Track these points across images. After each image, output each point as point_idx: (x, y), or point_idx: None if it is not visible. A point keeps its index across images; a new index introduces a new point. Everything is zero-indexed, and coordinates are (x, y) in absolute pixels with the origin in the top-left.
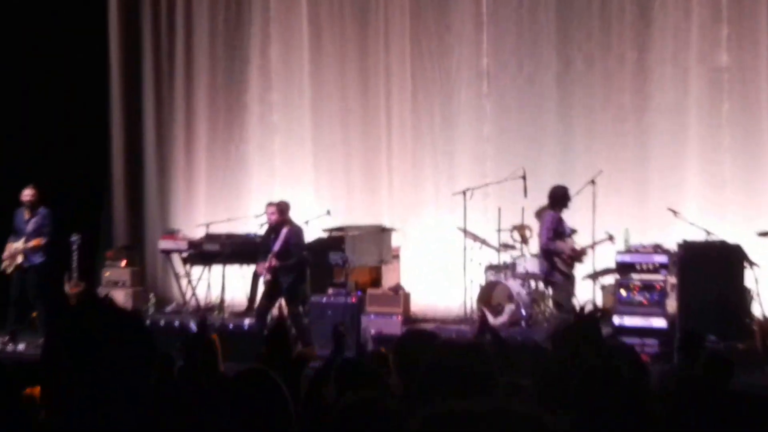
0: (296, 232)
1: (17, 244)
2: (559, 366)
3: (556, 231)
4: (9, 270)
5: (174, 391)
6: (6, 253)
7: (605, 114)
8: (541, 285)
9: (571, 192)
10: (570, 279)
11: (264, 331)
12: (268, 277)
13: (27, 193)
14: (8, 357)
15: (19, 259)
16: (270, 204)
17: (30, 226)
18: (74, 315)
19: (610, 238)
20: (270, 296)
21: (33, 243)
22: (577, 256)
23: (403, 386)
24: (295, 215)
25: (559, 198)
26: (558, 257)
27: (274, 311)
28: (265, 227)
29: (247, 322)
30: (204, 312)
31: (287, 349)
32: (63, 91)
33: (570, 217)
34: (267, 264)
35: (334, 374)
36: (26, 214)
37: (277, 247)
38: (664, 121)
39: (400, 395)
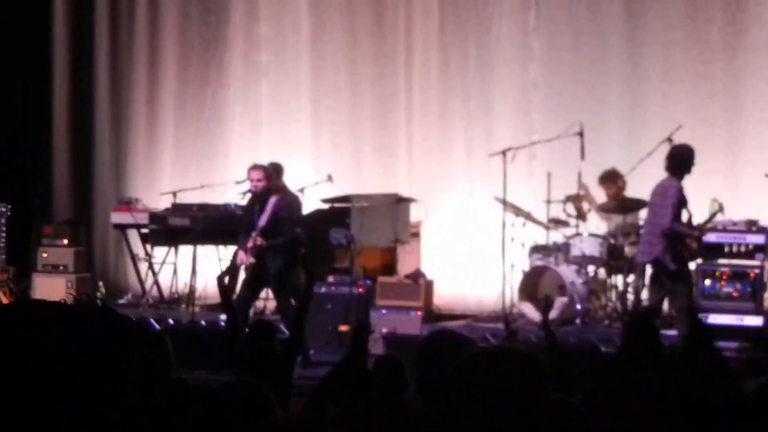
0: (288, 202)
1: None
2: (624, 378)
3: (681, 207)
4: None
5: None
6: None
7: (687, 53)
8: (601, 273)
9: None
10: (689, 271)
11: (244, 329)
12: (252, 260)
13: None
14: None
15: None
16: (255, 167)
17: None
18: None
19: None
20: (253, 284)
21: None
22: (701, 238)
23: (425, 406)
24: (288, 182)
25: (686, 161)
26: (682, 242)
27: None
28: (248, 197)
29: (224, 317)
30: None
31: (272, 353)
32: None
33: (640, 184)
34: (250, 243)
35: (332, 385)
36: None
37: (262, 221)
38: (763, 61)
39: (420, 416)
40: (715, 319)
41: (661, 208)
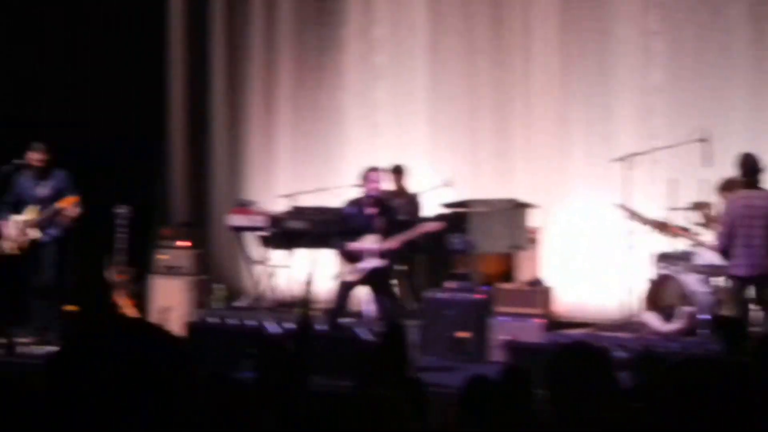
0: (407, 204)
1: (23, 216)
2: None
3: None
4: (15, 250)
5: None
6: (8, 230)
7: None
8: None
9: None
10: None
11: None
12: (381, 262)
13: (36, 158)
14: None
15: (32, 233)
16: (375, 169)
17: (45, 191)
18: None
19: None
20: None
21: (68, 201)
22: None
23: (557, 418)
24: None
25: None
26: None
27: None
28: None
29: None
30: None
31: (404, 361)
32: (104, 17)
33: None
34: (377, 246)
35: (461, 396)
36: (34, 179)
37: (380, 223)
38: None
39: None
40: None
41: None
